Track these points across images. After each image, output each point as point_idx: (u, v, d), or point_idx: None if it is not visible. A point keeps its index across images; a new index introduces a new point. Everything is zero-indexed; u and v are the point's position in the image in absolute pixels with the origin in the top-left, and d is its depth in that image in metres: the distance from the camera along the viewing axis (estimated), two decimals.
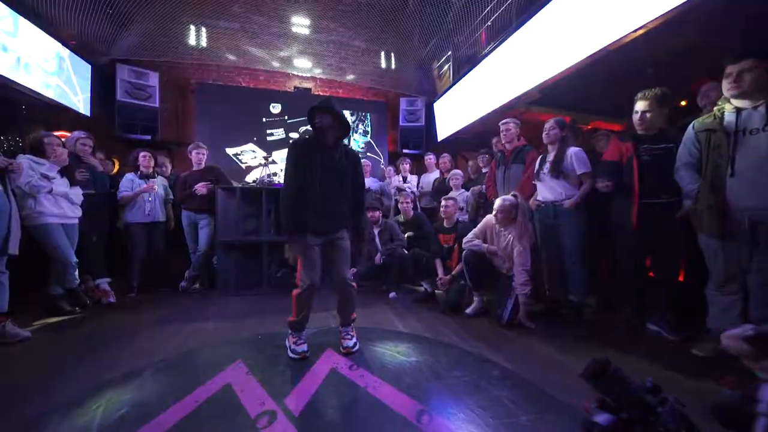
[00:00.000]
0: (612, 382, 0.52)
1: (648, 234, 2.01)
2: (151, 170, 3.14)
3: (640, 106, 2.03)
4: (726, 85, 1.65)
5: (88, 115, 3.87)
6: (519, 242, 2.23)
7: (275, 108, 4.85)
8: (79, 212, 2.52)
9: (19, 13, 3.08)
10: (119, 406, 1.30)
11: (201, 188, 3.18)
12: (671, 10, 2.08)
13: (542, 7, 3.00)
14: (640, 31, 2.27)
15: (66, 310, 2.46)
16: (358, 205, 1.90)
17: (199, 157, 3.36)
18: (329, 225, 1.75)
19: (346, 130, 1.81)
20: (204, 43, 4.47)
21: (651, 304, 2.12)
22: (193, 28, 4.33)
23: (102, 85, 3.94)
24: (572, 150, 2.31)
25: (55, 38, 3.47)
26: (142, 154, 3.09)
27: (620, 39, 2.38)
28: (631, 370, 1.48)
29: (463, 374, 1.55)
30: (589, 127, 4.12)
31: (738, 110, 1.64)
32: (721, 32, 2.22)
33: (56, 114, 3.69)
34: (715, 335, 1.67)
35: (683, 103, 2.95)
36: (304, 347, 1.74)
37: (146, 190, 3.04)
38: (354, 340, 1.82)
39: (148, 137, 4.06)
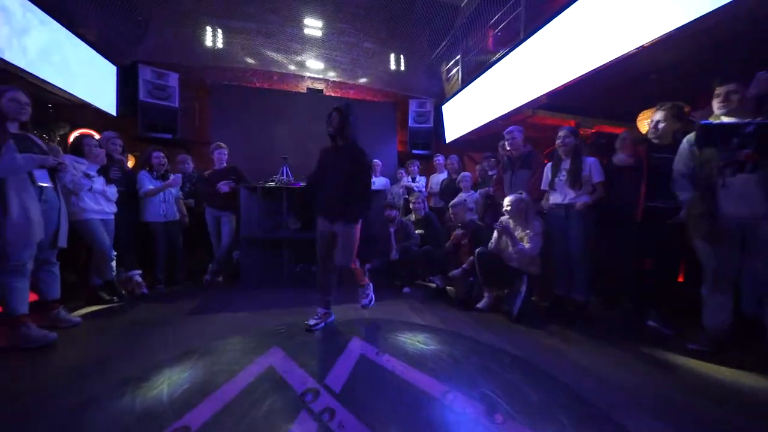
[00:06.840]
0: None
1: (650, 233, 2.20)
2: (164, 170, 3.19)
3: (656, 116, 2.22)
4: (716, 104, 1.82)
5: (114, 114, 4.03)
6: (528, 238, 2.41)
7: (290, 108, 4.99)
8: (114, 208, 2.68)
9: (48, 14, 3.20)
10: (181, 383, 1.48)
11: (223, 186, 3.34)
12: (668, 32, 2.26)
13: (550, 20, 3.16)
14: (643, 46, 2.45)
15: (105, 300, 2.65)
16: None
17: (220, 156, 3.51)
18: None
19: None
20: (220, 44, 4.61)
21: (649, 302, 2.28)
22: (209, 29, 4.48)
23: (126, 86, 4.09)
24: (590, 160, 2.47)
25: (82, 39, 3.60)
26: (155, 154, 3.12)
27: (624, 53, 2.56)
28: (629, 362, 1.54)
29: (479, 360, 1.73)
30: (593, 130, 4.29)
31: None
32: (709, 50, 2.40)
33: (81, 113, 3.84)
34: (709, 331, 1.85)
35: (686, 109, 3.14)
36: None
37: (172, 185, 3.13)
38: (365, 300, 2.27)
39: (169, 136, 4.22)
